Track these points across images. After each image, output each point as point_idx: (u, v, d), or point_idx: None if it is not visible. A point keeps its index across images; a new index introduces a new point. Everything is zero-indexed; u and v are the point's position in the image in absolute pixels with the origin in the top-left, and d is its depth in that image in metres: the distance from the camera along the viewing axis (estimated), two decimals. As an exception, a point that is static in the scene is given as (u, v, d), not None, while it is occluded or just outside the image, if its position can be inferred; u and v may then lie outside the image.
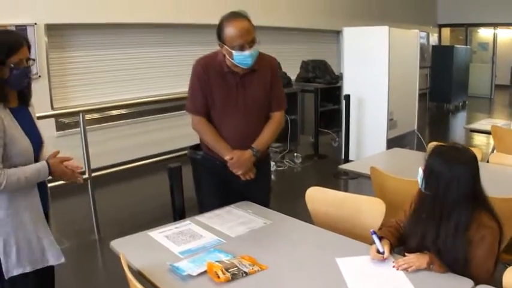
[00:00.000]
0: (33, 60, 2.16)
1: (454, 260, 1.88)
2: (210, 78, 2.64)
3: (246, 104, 2.66)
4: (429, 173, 1.97)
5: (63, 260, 2.24)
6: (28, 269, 2.12)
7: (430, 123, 10.99)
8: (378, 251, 1.99)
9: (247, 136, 2.69)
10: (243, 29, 2.49)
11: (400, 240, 2.18)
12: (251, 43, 2.51)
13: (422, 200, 2.04)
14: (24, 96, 2.20)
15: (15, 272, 2.09)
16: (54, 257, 2.21)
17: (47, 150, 2.27)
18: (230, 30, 2.49)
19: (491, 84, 14.31)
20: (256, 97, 2.69)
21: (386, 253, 1.97)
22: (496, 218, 1.94)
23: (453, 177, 1.89)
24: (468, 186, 1.91)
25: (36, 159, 2.15)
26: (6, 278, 2.08)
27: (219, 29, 2.55)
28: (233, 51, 2.50)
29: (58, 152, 2.22)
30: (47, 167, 2.12)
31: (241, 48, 2.49)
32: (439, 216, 1.93)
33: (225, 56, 2.59)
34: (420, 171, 2.01)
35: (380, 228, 2.23)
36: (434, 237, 1.94)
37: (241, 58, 2.52)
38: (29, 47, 2.11)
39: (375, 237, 2.01)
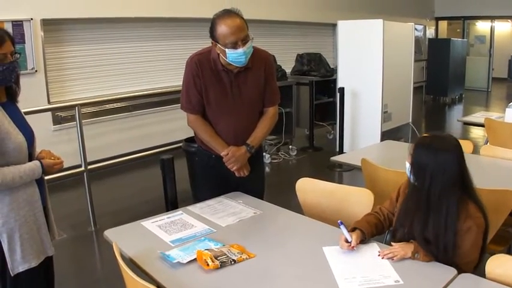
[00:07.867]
0: (19, 54, 2.10)
1: (440, 250, 1.90)
2: (205, 76, 2.63)
3: (240, 103, 2.68)
4: (416, 165, 1.99)
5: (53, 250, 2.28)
6: (33, 264, 2.12)
7: (426, 116, 11.02)
8: (346, 241, 2.03)
9: (242, 133, 2.72)
10: (235, 27, 2.47)
11: (379, 228, 2.21)
12: (244, 40, 2.49)
13: (411, 191, 2.06)
14: (13, 92, 2.15)
15: (21, 268, 2.08)
16: (51, 248, 2.24)
17: (42, 144, 2.26)
18: (222, 28, 2.47)
19: (488, 77, 14.31)
20: (250, 95, 2.71)
21: (354, 242, 2.01)
22: (482, 209, 1.97)
23: (439, 165, 1.91)
24: (455, 173, 1.93)
25: (30, 156, 2.13)
26: (12, 275, 2.06)
27: (212, 28, 2.53)
28: (226, 49, 2.49)
29: (49, 152, 2.23)
30: (41, 167, 2.11)
31: (234, 46, 2.48)
32: (428, 206, 1.95)
33: (219, 53, 2.57)
34: (408, 165, 2.04)
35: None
36: (422, 227, 1.96)
37: (235, 56, 2.50)
38: (12, 41, 2.04)
39: (342, 228, 2.04)
